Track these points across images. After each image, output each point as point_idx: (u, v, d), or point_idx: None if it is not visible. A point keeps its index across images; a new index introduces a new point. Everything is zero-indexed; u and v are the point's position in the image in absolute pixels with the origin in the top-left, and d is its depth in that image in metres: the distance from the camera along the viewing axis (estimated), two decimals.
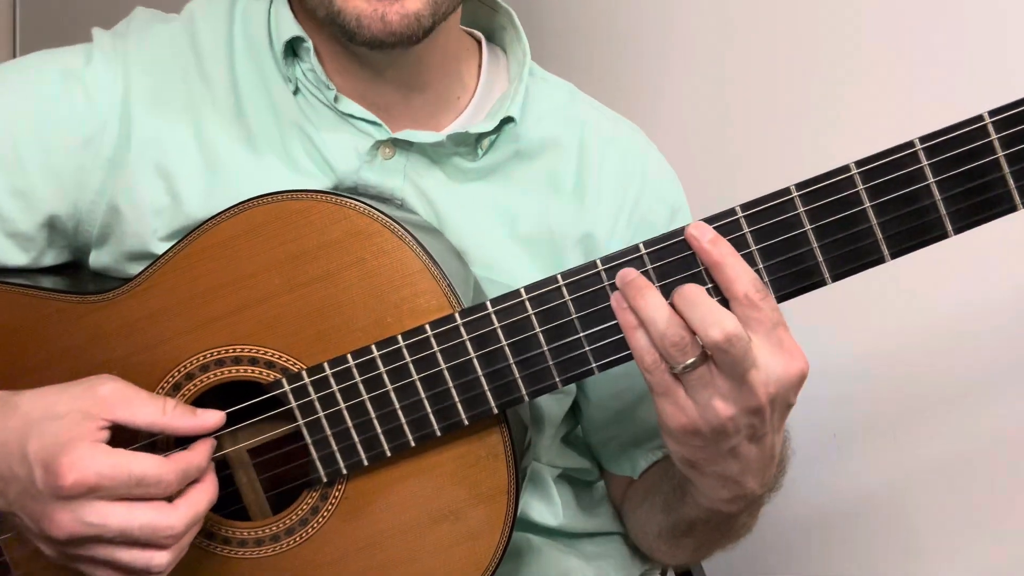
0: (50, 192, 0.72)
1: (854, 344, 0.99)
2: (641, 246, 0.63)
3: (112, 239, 0.74)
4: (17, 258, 0.72)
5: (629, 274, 0.61)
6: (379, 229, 0.67)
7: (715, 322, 0.57)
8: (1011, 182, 0.60)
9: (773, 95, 1.02)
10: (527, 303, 0.64)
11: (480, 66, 0.82)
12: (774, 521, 0.78)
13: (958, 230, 0.62)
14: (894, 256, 0.62)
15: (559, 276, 0.64)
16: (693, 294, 0.59)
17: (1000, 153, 0.60)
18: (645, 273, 0.62)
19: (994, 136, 0.60)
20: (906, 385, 0.98)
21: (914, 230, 0.61)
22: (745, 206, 0.62)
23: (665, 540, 0.79)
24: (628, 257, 0.63)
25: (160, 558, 0.61)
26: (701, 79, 1.06)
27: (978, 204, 0.61)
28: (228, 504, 0.71)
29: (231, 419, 0.67)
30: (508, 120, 0.76)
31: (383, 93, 0.76)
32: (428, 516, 0.68)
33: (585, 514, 0.86)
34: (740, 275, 0.60)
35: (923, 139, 0.61)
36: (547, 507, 0.84)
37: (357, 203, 0.67)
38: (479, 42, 0.84)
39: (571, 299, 0.64)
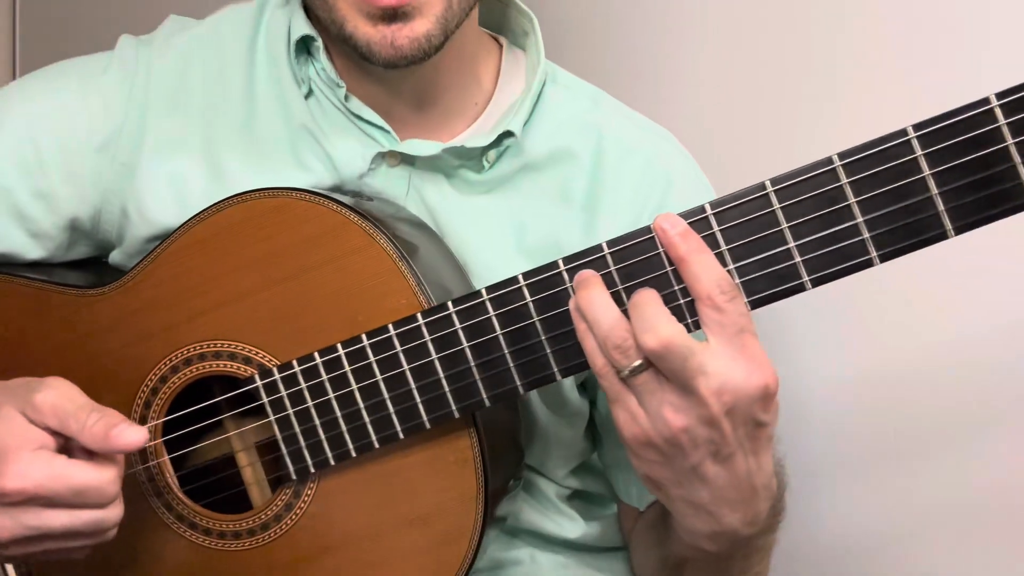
0: (70, 194, 0.75)
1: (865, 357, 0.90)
2: (604, 245, 0.59)
3: (127, 240, 0.77)
4: (36, 253, 0.76)
5: (583, 274, 0.58)
6: (351, 227, 0.66)
7: (650, 328, 0.54)
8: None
9: (780, 94, 0.95)
10: (488, 304, 0.62)
11: (499, 68, 0.80)
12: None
13: (959, 230, 0.54)
14: (884, 259, 0.56)
15: (520, 276, 0.61)
16: (640, 297, 0.56)
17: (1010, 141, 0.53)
18: (608, 275, 0.59)
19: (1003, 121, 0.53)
20: (919, 410, 0.88)
21: (906, 229, 0.55)
22: (715, 203, 0.57)
23: None
24: (591, 257, 0.59)
25: (109, 536, 0.64)
26: (705, 78, 0.99)
27: (985, 199, 0.53)
28: (232, 486, 0.73)
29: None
30: (508, 134, 0.74)
31: (396, 102, 0.76)
32: (397, 520, 0.67)
33: (595, 525, 0.82)
34: (705, 273, 0.55)
35: (916, 127, 0.54)
36: (564, 520, 0.81)
37: (330, 201, 0.67)
38: (502, 44, 0.82)
39: (532, 301, 0.61)
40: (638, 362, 0.55)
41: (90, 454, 0.63)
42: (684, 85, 0.99)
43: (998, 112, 0.52)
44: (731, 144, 0.94)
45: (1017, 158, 0.52)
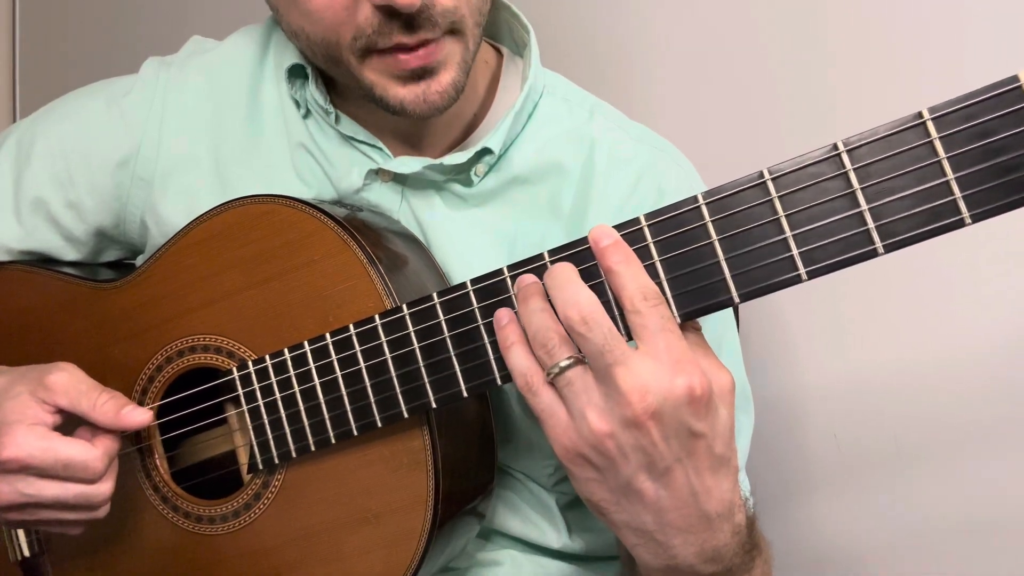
0: (95, 205, 0.83)
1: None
2: (546, 254, 0.60)
3: (148, 247, 0.84)
4: (72, 255, 0.84)
5: (524, 280, 0.59)
6: (327, 232, 0.70)
7: (574, 302, 0.55)
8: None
9: (778, 96, 0.93)
10: (438, 307, 0.64)
11: (498, 78, 0.82)
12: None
13: (889, 248, 0.53)
14: (812, 276, 0.54)
15: (468, 282, 0.63)
16: (560, 274, 0.56)
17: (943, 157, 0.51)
18: None
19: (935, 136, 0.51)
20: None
21: (836, 246, 0.54)
22: (650, 215, 0.58)
23: None
24: (535, 265, 0.61)
25: (100, 513, 0.69)
26: (692, 81, 0.99)
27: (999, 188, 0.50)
28: (214, 471, 0.77)
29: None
30: (487, 151, 0.77)
31: (395, 123, 0.79)
32: (353, 516, 0.69)
33: (593, 534, 0.82)
34: (630, 282, 0.56)
35: (846, 142, 0.53)
36: (551, 528, 0.81)
37: (312, 208, 0.71)
38: (503, 53, 0.84)
39: (479, 307, 0.63)
40: (565, 360, 0.55)
41: (86, 435, 0.69)
42: (682, 89, 1.00)
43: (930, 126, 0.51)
44: (730, 148, 0.94)
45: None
